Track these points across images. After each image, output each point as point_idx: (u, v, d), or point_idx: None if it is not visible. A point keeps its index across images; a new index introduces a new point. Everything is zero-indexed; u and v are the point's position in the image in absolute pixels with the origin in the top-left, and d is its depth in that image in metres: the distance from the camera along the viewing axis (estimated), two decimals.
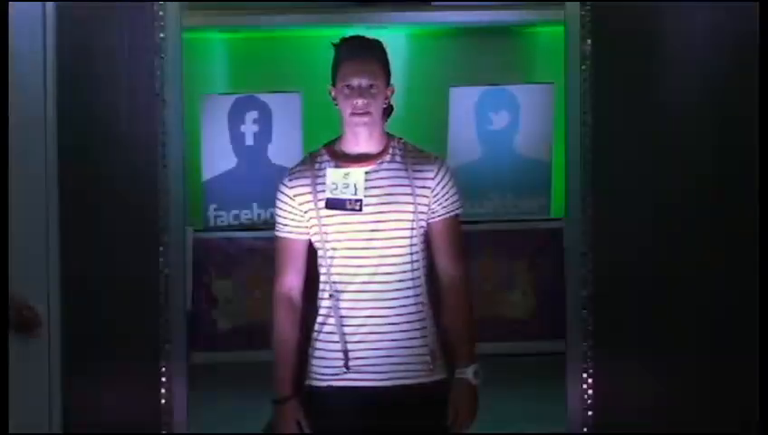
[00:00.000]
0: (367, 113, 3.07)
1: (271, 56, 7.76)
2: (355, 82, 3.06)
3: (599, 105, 3.69)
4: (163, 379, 3.67)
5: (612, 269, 3.71)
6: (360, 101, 3.06)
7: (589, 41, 3.67)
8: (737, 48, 3.68)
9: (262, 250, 7.11)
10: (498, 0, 7.44)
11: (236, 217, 7.45)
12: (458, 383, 3.09)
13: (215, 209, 7.44)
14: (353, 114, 3.07)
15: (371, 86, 3.07)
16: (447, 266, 3.14)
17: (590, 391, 3.71)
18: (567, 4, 3.70)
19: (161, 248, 3.66)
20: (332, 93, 3.15)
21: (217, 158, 7.43)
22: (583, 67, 3.68)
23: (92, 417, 3.68)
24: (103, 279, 3.67)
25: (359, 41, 3.15)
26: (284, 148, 7.35)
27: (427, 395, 3.09)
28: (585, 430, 3.72)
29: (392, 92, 3.16)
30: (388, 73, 3.14)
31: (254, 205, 7.39)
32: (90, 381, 3.67)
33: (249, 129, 7.47)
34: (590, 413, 3.72)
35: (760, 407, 3.16)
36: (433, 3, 7.54)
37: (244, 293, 7.15)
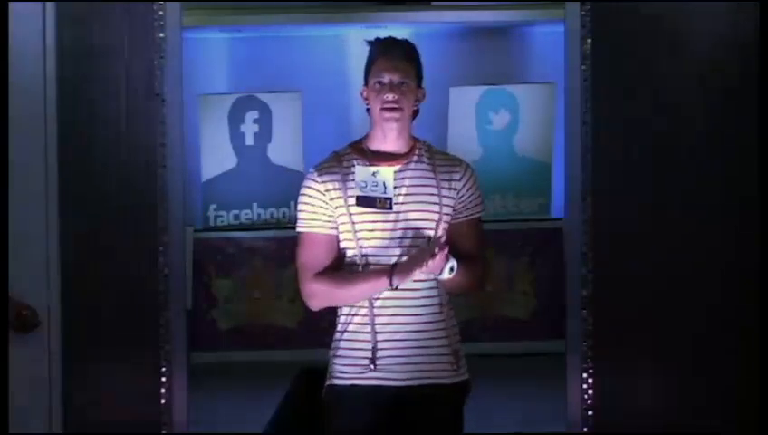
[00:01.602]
0: (398, 108, 3.07)
1: (271, 56, 7.76)
2: (386, 78, 3.07)
3: (599, 105, 3.69)
4: (163, 379, 3.68)
5: (612, 269, 3.71)
6: (390, 95, 3.06)
7: (589, 41, 3.68)
8: (737, 48, 3.68)
9: (262, 250, 7.11)
10: (498, 0, 7.43)
11: (236, 217, 7.44)
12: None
13: (215, 209, 7.43)
14: (384, 109, 3.07)
15: (402, 83, 3.08)
16: (470, 259, 3.15)
17: (590, 391, 3.71)
18: (567, 4, 3.71)
19: (161, 248, 3.66)
20: (364, 94, 3.14)
21: (217, 158, 7.42)
22: (583, 67, 3.68)
23: (92, 416, 3.68)
24: (103, 279, 3.67)
25: (392, 40, 3.17)
26: (284, 148, 7.35)
27: (449, 396, 3.10)
28: (585, 430, 3.72)
29: (423, 95, 3.16)
30: (420, 76, 3.15)
31: (254, 205, 7.38)
32: (90, 380, 3.67)
33: (249, 129, 7.46)
34: (590, 413, 3.72)
35: (760, 407, 3.16)
36: (433, 3, 7.54)
37: (244, 293, 7.14)
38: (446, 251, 2.98)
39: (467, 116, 7.51)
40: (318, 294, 3.11)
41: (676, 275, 3.72)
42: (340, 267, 3.12)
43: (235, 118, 7.44)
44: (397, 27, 7.53)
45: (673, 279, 3.72)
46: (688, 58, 3.70)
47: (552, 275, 7.01)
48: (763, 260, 3.43)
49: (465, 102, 7.51)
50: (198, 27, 7.22)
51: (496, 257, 7.22)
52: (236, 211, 7.43)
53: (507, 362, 6.92)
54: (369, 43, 3.16)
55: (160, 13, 3.64)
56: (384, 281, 3.03)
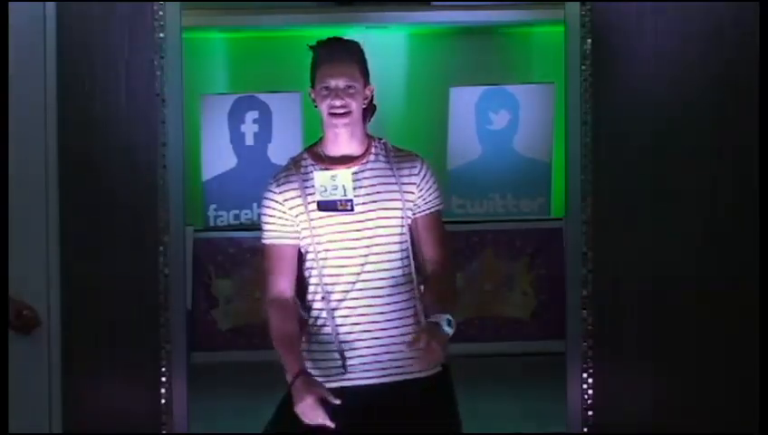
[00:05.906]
0: (346, 114, 3.08)
1: (271, 56, 7.75)
2: (332, 83, 3.08)
3: (599, 105, 3.69)
4: (163, 379, 3.68)
5: (612, 269, 3.71)
6: (337, 102, 3.07)
7: (589, 41, 3.68)
8: (737, 48, 3.68)
9: (262, 250, 7.10)
10: (498, 0, 7.44)
11: (236, 217, 7.45)
12: (430, 325, 2.97)
13: (215, 209, 7.44)
14: (331, 115, 3.08)
15: (349, 87, 3.08)
16: (434, 255, 3.16)
17: (590, 391, 3.71)
18: (567, 4, 3.71)
19: (161, 248, 3.66)
20: (312, 96, 3.15)
21: (217, 158, 7.42)
22: (583, 67, 3.68)
23: (92, 417, 3.68)
24: (103, 279, 3.67)
25: (335, 43, 3.16)
26: (284, 148, 7.33)
27: (425, 389, 3.09)
28: (585, 430, 3.72)
29: (372, 92, 3.17)
30: (366, 74, 3.15)
31: (254, 205, 7.37)
32: (90, 380, 3.67)
33: (249, 129, 7.46)
34: (590, 413, 3.72)
35: (760, 407, 3.16)
36: (433, 3, 7.53)
37: (244, 293, 7.14)
38: (424, 341, 2.89)
39: (467, 116, 7.52)
40: (268, 317, 3.14)
41: (677, 275, 3.72)
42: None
43: (235, 118, 7.45)
44: (397, 27, 7.55)
45: (673, 279, 3.72)
46: (688, 58, 3.70)
47: (551, 275, 7.01)
48: (764, 260, 3.43)
49: (465, 102, 7.51)
50: (198, 27, 7.23)
51: (496, 257, 7.22)
52: (236, 211, 7.44)
53: (507, 362, 6.92)
54: (312, 47, 3.15)
55: (160, 13, 3.64)
56: (290, 375, 3.03)
